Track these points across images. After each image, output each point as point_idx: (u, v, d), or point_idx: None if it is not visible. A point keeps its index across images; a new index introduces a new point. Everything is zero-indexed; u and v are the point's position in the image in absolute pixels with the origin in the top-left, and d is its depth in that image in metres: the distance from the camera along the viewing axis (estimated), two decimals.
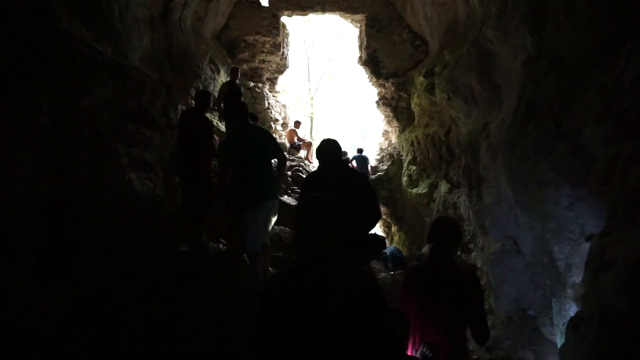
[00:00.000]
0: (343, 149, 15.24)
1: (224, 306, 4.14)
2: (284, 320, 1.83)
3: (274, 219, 4.74)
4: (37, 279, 2.98)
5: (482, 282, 5.98)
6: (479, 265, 6.98)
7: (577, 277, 3.97)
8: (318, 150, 3.89)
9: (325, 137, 4.05)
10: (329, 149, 3.83)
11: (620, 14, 3.24)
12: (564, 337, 3.53)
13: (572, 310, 3.88)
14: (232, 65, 10.56)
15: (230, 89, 8.88)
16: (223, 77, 11.01)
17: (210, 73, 10.40)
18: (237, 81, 9.18)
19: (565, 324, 3.43)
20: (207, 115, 5.86)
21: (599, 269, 2.82)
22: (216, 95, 9.21)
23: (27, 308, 2.71)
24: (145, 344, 3.31)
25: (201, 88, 9.62)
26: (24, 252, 3.02)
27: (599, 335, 2.46)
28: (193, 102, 8.46)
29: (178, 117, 6.42)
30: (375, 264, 8.37)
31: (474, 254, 7.49)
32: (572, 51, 3.77)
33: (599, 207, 3.57)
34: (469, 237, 8.13)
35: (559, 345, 4.14)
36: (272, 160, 4.93)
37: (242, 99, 9.45)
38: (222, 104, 8.88)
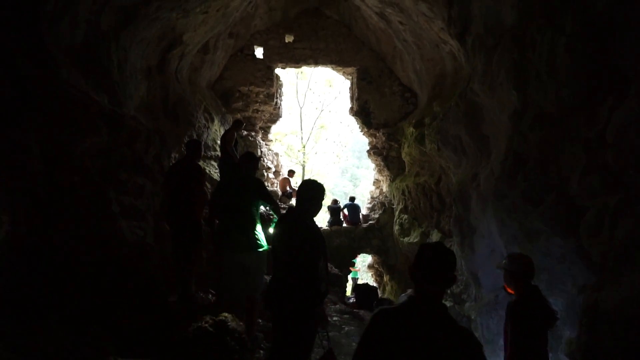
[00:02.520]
0: (334, 197, 15.28)
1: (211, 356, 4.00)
2: (384, 350, 1.95)
3: (259, 271, 4.66)
4: (16, 328, 2.87)
5: (477, 335, 5.86)
6: (472, 317, 6.86)
7: (571, 331, 3.91)
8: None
9: (309, 179, 3.96)
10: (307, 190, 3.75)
11: (598, 72, 3.40)
12: None
13: (560, 359, 3.80)
14: (237, 117, 10.74)
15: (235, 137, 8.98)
16: (217, 126, 11.18)
17: (204, 122, 10.56)
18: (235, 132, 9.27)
19: None
20: (200, 163, 5.89)
21: (593, 322, 2.80)
22: (216, 143, 9.37)
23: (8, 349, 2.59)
24: None
25: (195, 136, 9.73)
26: (5, 297, 2.93)
27: None
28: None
29: (171, 164, 6.46)
30: (368, 315, 8.18)
31: (467, 304, 7.38)
32: (555, 106, 3.91)
33: (590, 259, 3.58)
34: (462, 287, 8.04)
35: None
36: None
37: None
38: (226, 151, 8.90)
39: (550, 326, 3.16)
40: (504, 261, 3.50)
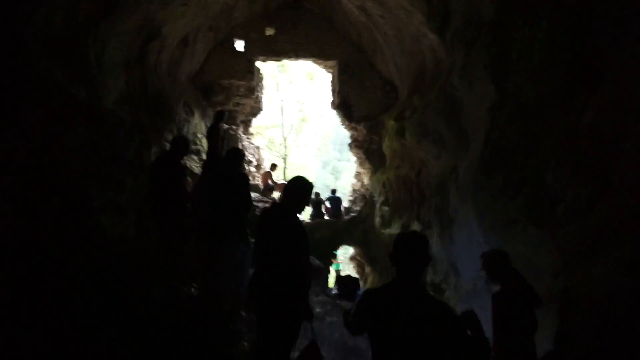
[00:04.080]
0: (316, 191, 15.35)
1: (197, 352, 4.03)
2: (378, 323, 2.32)
3: (243, 265, 4.70)
4: (5, 327, 2.85)
5: None
6: (452, 305, 7.02)
7: (546, 316, 4.06)
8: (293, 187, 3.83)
9: (299, 176, 3.98)
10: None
11: (574, 65, 3.50)
12: None
13: (543, 348, 3.94)
14: (219, 109, 10.63)
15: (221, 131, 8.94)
16: (197, 120, 11.08)
17: (184, 115, 10.45)
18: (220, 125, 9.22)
19: None
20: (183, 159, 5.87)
21: (566, 308, 2.92)
22: (200, 138, 9.32)
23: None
24: None
25: (175, 130, 9.64)
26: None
27: None
28: (167, 144, 8.45)
29: (152, 159, 6.41)
30: (350, 306, 8.29)
31: (446, 293, 7.54)
32: (532, 99, 4.02)
33: (564, 247, 3.71)
34: (441, 276, 8.20)
35: None
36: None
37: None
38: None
39: (536, 307, 3.35)
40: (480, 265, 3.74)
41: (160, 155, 5.94)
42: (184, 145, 5.49)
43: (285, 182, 4.02)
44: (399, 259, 2.42)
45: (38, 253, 3.34)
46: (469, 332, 2.33)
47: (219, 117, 9.02)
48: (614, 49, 3.05)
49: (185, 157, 8.98)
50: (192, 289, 6.08)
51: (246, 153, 13.53)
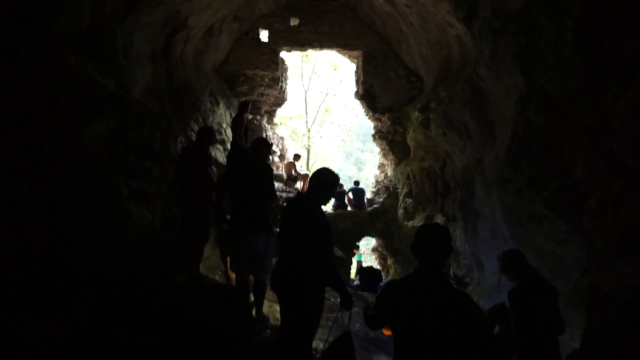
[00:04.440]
0: (339, 182, 15.36)
1: (220, 338, 4.11)
2: (400, 315, 2.33)
3: (269, 254, 4.74)
4: (34, 313, 2.96)
5: None
6: (475, 299, 6.95)
7: (573, 314, 3.98)
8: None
9: (325, 168, 3.97)
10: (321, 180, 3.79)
11: (605, 58, 3.39)
12: None
13: (569, 347, 3.87)
14: (243, 99, 10.70)
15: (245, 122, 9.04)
16: (222, 110, 11.19)
17: (209, 105, 10.57)
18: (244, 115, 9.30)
19: None
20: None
21: (593, 305, 2.85)
22: (225, 128, 9.44)
23: (25, 343, 2.69)
24: None
25: (200, 120, 9.77)
26: (21, 286, 3.02)
27: None
28: (193, 134, 8.58)
29: (178, 149, 6.51)
30: (372, 297, 8.31)
31: (470, 287, 7.47)
32: (561, 91, 3.91)
33: (592, 243, 3.62)
34: (464, 270, 8.13)
35: None
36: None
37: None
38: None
39: (553, 301, 3.30)
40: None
41: (186, 145, 6.04)
42: (210, 136, 5.57)
43: (309, 173, 4.04)
44: (421, 250, 2.45)
45: (68, 242, 3.45)
46: (497, 326, 2.35)
47: (244, 107, 9.08)
48: None
49: (210, 147, 9.11)
50: (217, 278, 6.20)
51: (273, 144, 13.62)
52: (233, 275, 5.13)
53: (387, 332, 3.61)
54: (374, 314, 2.61)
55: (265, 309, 5.73)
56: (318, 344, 5.22)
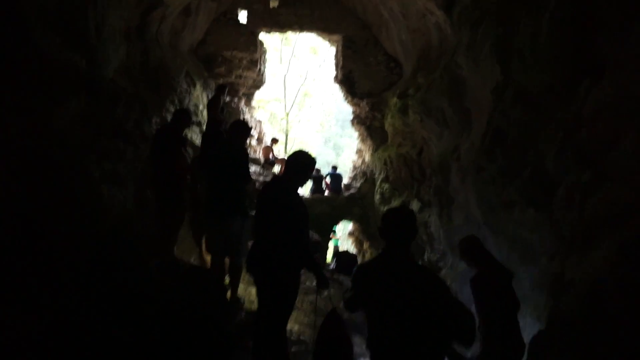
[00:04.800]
0: (317, 167, 15.39)
1: (194, 320, 4.10)
2: (371, 296, 2.42)
3: (244, 236, 4.73)
4: (6, 300, 2.89)
5: None
6: (448, 283, 7.12)
7: (540, 297, 4.12)
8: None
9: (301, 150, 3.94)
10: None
11: (578, 53, 3.46)
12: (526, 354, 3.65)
13: (536, 328, 4.02)
14: (221, 82, 10.54)
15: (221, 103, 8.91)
16: (199, 91, 10.98)
17: (186, 87, 10.36)
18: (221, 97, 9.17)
19: (529, 342, 3.55)
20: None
21: (559, 289, 2.96)
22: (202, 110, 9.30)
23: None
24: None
25: (176, 101, 9.57)
26: None
27: (559, 352, 2.57)
28: (169, 115, 8.40)
29: (152, 130, 6.38)
30: (348, 281, 8.42)
31: (443, 271, 7.64)
32: (535, 84, 3.98)
33: (560, 231, 3.73)
34: (438, 255, 8.29)
35: None
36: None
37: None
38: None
39: (509, 284, 3.56)
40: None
41: (161, 127, 5.93)
42: (186, 118, 5.48)
43: (286, 157, 4.01)
44: (388, 232, 2.55)
45: (38, 224, 3.36)
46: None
47: (221, 90, 8.95)
48: (616, 44, 3.02)
49: (186, 129, 8.96)
50: (192, 260, 6.16)
51: (251, 127, 13.47)
52: (208, 258, 5.11)
53: None
54: (349, 296, 2.68)
55: (240, 291, 5.74)
56: (293, 326, 5.27)
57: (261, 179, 11.58)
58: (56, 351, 2.85)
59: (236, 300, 5.05)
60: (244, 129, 4.97)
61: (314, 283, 3.89)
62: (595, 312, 2.40)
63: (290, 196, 3.63)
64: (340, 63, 12.80)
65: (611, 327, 2.21)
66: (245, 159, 4.81)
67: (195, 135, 10.20)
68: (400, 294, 2.35)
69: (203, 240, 5.34)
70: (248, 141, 13.45)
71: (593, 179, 3.09)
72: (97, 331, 3.27)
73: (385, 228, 2.58)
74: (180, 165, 5.20)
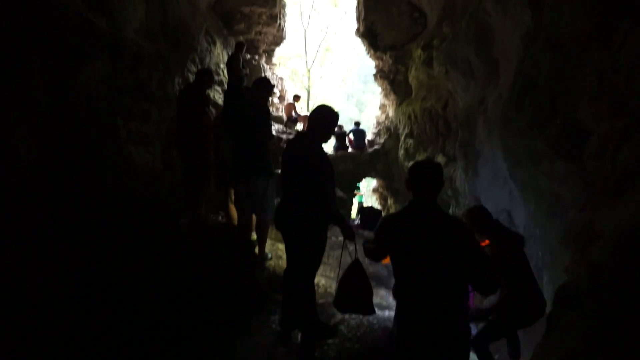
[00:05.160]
0: (340, 123, 15.32)
1: (224, 275, 4.26)
2: (398, 244, 2.48)
3: (270, 194, 4.79)
4: (44, 254, 3.05)
5: None
6: None
7: (567, 251, 4.09)
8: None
9: (324, 105, 3.90)
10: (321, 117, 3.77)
11: None
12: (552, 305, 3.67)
13: (561, 281, 4.01)
14: (239, 39, 10.43)
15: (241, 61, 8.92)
16: (219, 50, 10.87)
17: (206, 45, 10.25)
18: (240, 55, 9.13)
19: (555, 291, 3.56)
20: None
21: (588, 241, 2.92)
22: (223, 69, 9.29)
23: (36, 283, 2.79)
24: (150, 313, 3.43)
25: (197, 61, 9.52)
26: (28, 228, 3.08)
27: (586, 303, 2.57)
28: (190, 75, 8.39)
29: (175, 90, 6.41)
30: (372, 236, 8.51)
31: None
32: (569, 28, 3.77)
33: (591, 182, 3.65)
34: (463, 209, 8.25)
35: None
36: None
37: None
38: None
39: (522, 248, 3.69)
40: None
41: (184, 87, 5.94)
42: (208, 77, 5.50)
43: (309, 113, 3.99)
44: (415, 184, 2.63)
45: (70, 185, 3.48)
46: None
47: (239, 47, 8.86)
48: None
49: (208, 89, 8.96)
50: (220, 217, 6.32)
51: (274, 85, 13.36)
52: (235, 215, 5.22)
53: (386, 260, 3.78)
54: (373, 246, 2.71)
55: (268, 247, 5.89)
56: (319, 280, 5.41)
57: (284, 137, 11.58)
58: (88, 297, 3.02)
59: (264, 256, 5.19)
60: (265, 86, 4.94)
61: (340, 238, 3.95)
62: (624, 262, 2.37)
63: (314, 151, 3.63)
64: (362, 15, 12.38)
65: None
66: (267, 116, 4.80)
67: (217, 95, 10.20)
68: (428, 241, 2.43)
69: (229, 198, 5.45)
70: (270, 99, 13.38)
71: (628, 126, 2.97)
72: (127, 284, 3.44)
73: (412, 180, 2.65)
74: (204, 125, 5.24)
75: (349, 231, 3.79)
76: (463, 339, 2.45)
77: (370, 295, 3.75)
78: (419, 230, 2.47)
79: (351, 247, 3.79)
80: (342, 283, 3.72)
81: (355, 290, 3.68)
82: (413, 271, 2.46)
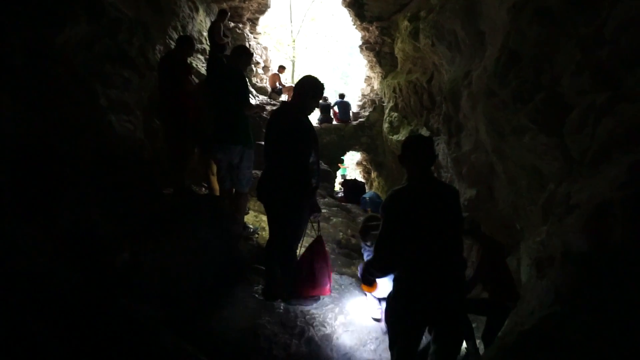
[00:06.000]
0: (324, 94, 15.20)
1: (208, 245, 4.28)
2: (403, 216, 2.64)
3: (246, 165, 4.75)
4: (21, 218, 3.00)
5: None
6: None
7: (544, 221, 4.20)
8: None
9: (309, 75, 3.88)
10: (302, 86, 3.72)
11: None
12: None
13: (537, 251, 4.13)
14: (221, 7, 10.16)
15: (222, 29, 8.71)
16: (202, 17, 10.58)
17: (188, 11, 9.96)
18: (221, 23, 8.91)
19: (531, 264, 3.67)
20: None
21: (564, 212, 3.00)
22: (205, 37, 9.14)
23: (13, 247, 2.75)
24: (132, 282, 3.43)
25: (179, 28, 9.27)
26: (5, 192, 3.02)
27: (559, 273, 2.66)
28: (172, 42, 8.18)
29: (156, 57, 6.25)
30: (355, 209, 8.60)
31: None
32: (556, 0, 3.76)
33: (571, 156, 3.71)
34: (446, 182, 8.36)
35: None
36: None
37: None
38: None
39: (504, 255, 5.00)
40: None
41: (165, 55, 5.79)
42: (189, 45, 5.37)
43: (293, 85, 3.94)
44: (409, 159, 2.80)
45: (48, 149, 3.40)
46: None
47: (221, 15, 8.65)
48: None
49: (191, 57, 8.76)
50: (203, 189, 6.29)
51: (254, 54, 13.11)
52: (216, 187, 5.21)
53: (369, 290, 4.06)
54: (382, 234, 2.72)
55: (251, 219, 5.91)
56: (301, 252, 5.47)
57: (268, 108, 11.48)
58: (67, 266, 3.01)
59: (245, 226, 5.21)
60: (243, 54, 4.85)
61: (324, 210, 4.01)
62: (596, 233, 2.44)
63: (300, 122, 3.61)
64: None
65: (614, 248, 2.26)
66: (242, 83, 4.70)
67: (200, 64, 9.98)
68: (436, 208, 2.69)
69: (210, 170, 5.41)
70: (254, 68, 13.15)
71: (610, 99, 3.01)
72: (111, 253, 3.43)
73: (406, 155, 2.82)
74: (186, 94, 5.15)
75: (314, 206, 3.85)
76: (462, 290, 2.91)
77: (328, 277, 3.92)
78: (426, 201, 2.68)
79: (315, 222, 3.92)
80: (304, 258, 3.87)
81: (312, 272, 3.83)
82: (422, 236, 2.64)
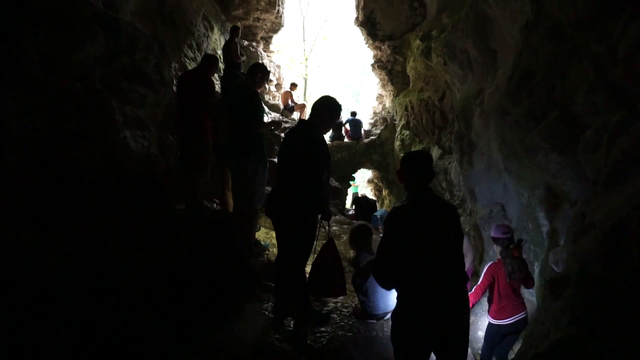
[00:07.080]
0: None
1: (218, 261, 4.28)
2: (405, 234, 2.59)
3: (258, 182, 4.75)
4: (36, 229, 3.04)
5: (472, 245, 6.22)
6: (466, 230, 7.17)
7: (559, 242, 4.13)
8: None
9: (327, 95, 3.93)
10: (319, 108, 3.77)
11: None
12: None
13: (553, 272, 4.06)
14: (235, 24, 10.34)
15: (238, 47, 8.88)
16: (217, 35, 10.78)
17: (203, 30, 10.17)
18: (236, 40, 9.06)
19: (547, 282, 3.59)
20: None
21: (579, 232, 2.95)
22: (220, 55, 9.35)
23: (27, 258, 2.78)
24: (143, 293, 3.43)
25: (194, 46, 9.45)
26: (21, 203, 3.07)
27: (574, 294, 2.60)
28: (187, 60, 8.33)
29: (172, 75, 6.36)
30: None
31: (462, 218, 7.67)
32: (569, 19, 3.76)
33: (585, 175, 3.67)
34: (458, 202, 8.30)
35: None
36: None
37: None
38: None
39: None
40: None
41: (188, 72, 5.91)
42: (215, 63, 5.53)
43: (305, 103, 4.00)
44: (407, 175, 2.76)
45: (64, 162, 3.46)
46: None
47: (234, 32, 8.80)
48: None
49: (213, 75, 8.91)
50: (215, 205, 6.32)
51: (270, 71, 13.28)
52: (230, 202, 5.23)
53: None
54: (382, 260, 2.68)
55: (262, 236, 5.91)
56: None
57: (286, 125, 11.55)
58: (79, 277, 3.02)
59: (256, 243, 5.19)
60: (258, 71, 4.89)
61: (335, 228, 4.03)
62: (614, 254, 2.39)
63: (315, 140, 3.63)
64: (361, 4, 12.33)
65: (631, 268, 2.21)
66: (255, 101, 4.73)
67: (214, 81, 10.14)
68: (437, 225, 2.64)
69: (227, 185, 5.44)
70: (266, 86, 13.31)
71: (624, 119, 2.98)
72: (123, 265, 3.44)
73: (405, 171, 2.77)
74: (207, 110, 5.23)
75: (327, 213, 3.87)
76: (467, 307, 2.74)
77: (342, 276, 3.91)
78: (427, 218, 2.64)
79: (326, 227, 3.94)
80: (316, 262, 3.87)
81: (326, 272, 3.84)
82: (423, 254, 2.59)
